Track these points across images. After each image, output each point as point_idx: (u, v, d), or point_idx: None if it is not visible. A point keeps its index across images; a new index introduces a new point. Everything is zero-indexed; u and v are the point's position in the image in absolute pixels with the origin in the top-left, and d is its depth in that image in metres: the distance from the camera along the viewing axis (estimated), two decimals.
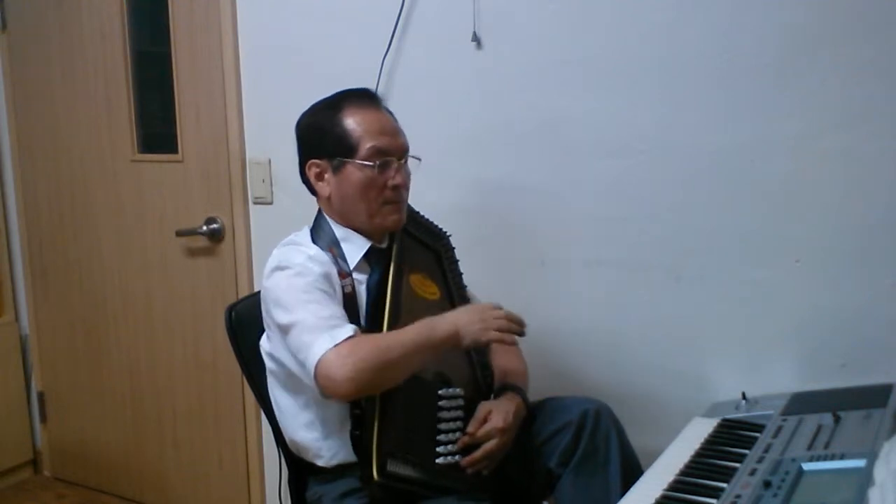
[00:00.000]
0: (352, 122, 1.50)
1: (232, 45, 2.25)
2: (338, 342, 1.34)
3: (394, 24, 1.95)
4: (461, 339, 1.40)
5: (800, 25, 1.55)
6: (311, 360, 1.35)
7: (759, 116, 1.61)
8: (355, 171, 1.50)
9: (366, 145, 1.49)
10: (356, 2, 2.03)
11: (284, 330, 1.44)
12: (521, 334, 1.47)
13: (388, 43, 1.97)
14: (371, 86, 1.96)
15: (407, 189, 1.56)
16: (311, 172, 1.55)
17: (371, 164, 1.49)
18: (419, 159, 1.59)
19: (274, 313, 1.46)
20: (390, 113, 1.58)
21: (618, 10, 1.71)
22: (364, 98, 1.55)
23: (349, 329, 1.38)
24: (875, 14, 1.50)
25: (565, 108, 1.80)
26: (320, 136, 1.53)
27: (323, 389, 1.37)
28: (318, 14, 2.10)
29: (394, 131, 1.54)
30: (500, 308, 1.46)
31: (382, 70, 1.98)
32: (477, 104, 1.90)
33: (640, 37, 1.70)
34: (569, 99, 1.79)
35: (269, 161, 2.25)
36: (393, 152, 1.51)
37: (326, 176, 1.54)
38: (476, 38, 1.86)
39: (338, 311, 1.43)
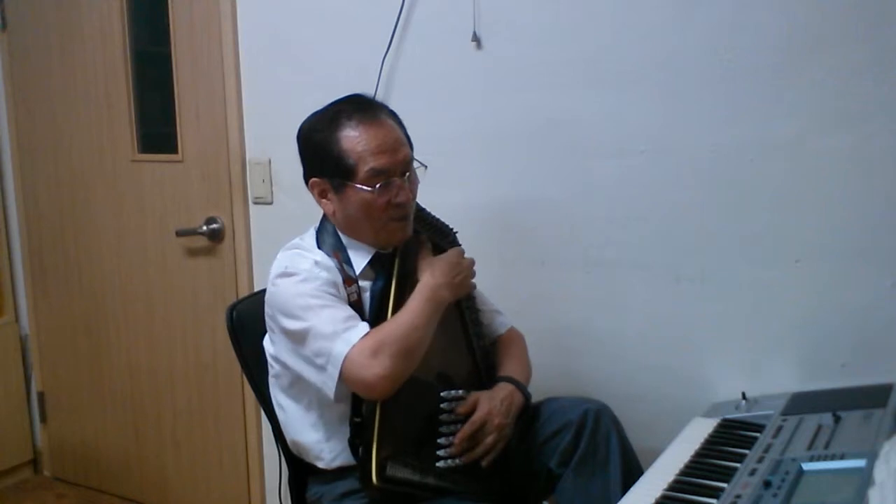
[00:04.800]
0: (348, 141, 1.43)
1: (232, 45, 2.24)
2: (354, 343, 1.37)
3: (394, 24, 1.95)
4: (454, 297, 1.52)
5: (800, 25, 1.55)
6: (335, 365, 1.37)
7: (759, 116, 1.61)
8: (356, 194, 1.44)
9: (364, 167, 1.42)
10: (356, 2, 2.03)
11: (297, 338, 1.43)
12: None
13: (388, 43, 1.97)
14: (371, 86, 1.97)
15: (414, 197, 1.52)
16: (315, 190, 1.51)
17: (370, 188, 1.43)
18: (425, 166, 1.54)
19: (282, 321, 1.46)
20: (393, 114, 1.52)
21: (618, 10, 1.71)
22: (360, 109, 1.47)
23: (363, 328, 1.40)
24: (875, 14, 1.50)
25: (565, 108, 1.79)
26: (319, 156, 1.48)
27: (358, 393, 1.41)
28: (318, 14, 2.10)
29: (393, 146, 1.45)
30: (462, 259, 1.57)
31: (382, 70, 1.98)
32: (477, 104, 1.90)
33: (640, 37, 1.70)
34: (569, 99, 1.79)
35: (269, 161, 2.25)
36: (394, 170, 1.44)
37: (329, 195, 1.50)
38: (476, 38, 1.86)
39: (350, 311, 1.44)
